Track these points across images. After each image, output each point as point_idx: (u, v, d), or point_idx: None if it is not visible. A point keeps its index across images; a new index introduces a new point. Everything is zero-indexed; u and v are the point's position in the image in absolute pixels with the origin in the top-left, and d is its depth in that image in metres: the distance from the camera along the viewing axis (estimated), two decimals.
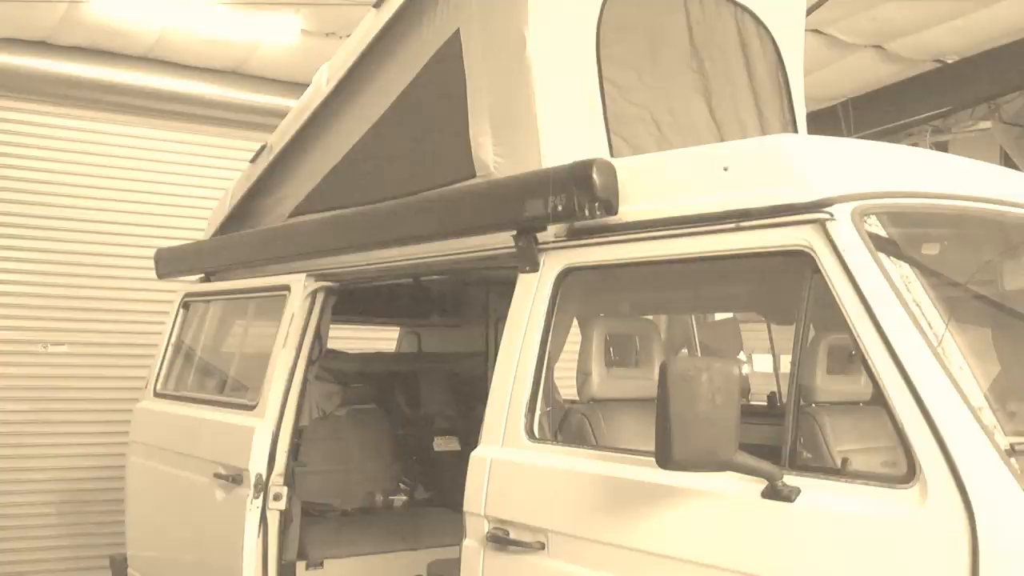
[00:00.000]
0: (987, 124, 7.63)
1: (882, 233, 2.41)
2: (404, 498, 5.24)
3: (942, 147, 7.98)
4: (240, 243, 4.96)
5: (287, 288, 4.29)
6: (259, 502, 3.98)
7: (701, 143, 3.37)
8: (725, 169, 2.62)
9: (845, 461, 2.63)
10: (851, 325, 2.29)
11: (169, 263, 5.62)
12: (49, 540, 6.87)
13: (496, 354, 3.19)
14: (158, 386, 5.34)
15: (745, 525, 2.36)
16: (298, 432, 4.17)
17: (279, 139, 4.77)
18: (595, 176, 2.83)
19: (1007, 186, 2.91)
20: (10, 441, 6.80)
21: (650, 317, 4.10)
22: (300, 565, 4.03)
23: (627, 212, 2.86)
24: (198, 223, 6.00)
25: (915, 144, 7.49)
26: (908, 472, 2.12)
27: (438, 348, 5.87)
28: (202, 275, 5.39)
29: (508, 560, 2.93)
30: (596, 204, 2.83)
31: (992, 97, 7.27)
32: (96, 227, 7.11)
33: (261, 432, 4.06)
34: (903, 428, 2.13)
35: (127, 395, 6.07)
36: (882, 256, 2.33)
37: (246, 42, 6.76)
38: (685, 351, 4.69)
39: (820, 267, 2.37)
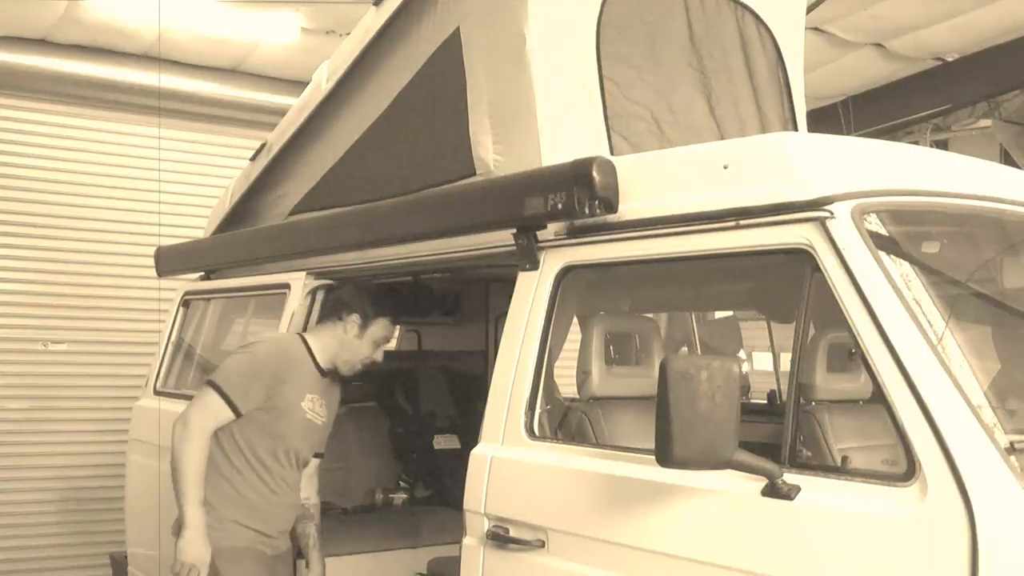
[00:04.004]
0: (987, 122, 7.63)
1: (882, 231, 2.41)
2: (404, 496, 5.23)
3: (942, 145, 7.99)
4: (240, 241, 4.95)
5: (287, 286, 4.29)
6: None
7: (701, 141, 3.37)
8: (725, 167, 2.62)
9: (845, 459, 2.64)
10: (851, 323, 2.28)
11: (169, 261, 5.62)
12: (49, 539, 6.87)
13: (496, 352, 3.19)
14: (158, 384, 5.34)
15: (745, 523, 2.36)
16: None
17: (279, 137, 4.76)
18: (595, 174, 2.82)
19: (1007, 184, 2.91)
20: (10, 440, 6.79)
21: (650, 315, 4.10)
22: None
23: (627, 210, 2.85)
24: (198, 221, 6.00)
25: (915, 142, 7.51)
26: (908, 470, 2.12)
27: (438, 346, 5.86)
28: (202, 273, 5.39)
29: (508, 558, 2.93)
30: (596, 202, 2.83)
31: (992, 95, 7.27)
32: (95, 225, 7.10)
33: None
34: (903, 426, 2.13)
35: (127, 393, 6.06)
36: (882, 254, 2.33)
37: (246, 40, 6.75)
38: (685, 349, 4.69)
39: (820, 265, 2.36)
